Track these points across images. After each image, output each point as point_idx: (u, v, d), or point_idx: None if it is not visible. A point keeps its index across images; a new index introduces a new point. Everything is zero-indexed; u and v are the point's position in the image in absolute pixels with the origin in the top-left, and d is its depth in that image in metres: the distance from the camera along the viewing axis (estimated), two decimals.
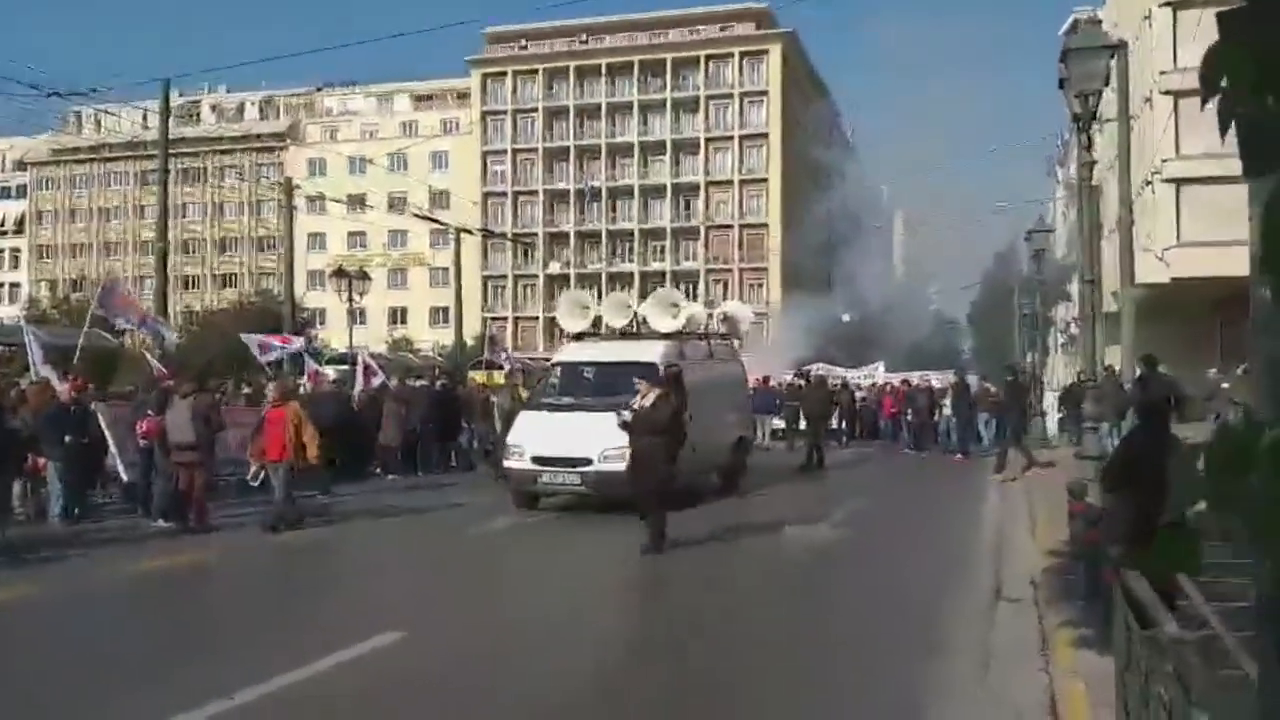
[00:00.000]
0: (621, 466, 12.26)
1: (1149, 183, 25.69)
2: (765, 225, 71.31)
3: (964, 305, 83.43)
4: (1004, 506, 14.05)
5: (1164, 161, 24.69)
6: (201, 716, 5.33)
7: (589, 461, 12.87)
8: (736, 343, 17.64)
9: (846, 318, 46.93)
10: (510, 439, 14.18)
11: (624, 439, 11.37)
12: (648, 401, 10.76)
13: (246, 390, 18.86)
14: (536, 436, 13.50)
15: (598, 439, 12.45)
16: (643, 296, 20.94)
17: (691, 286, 66.58)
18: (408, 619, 7.40)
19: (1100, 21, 27.84)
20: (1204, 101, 1.08)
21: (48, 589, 8.98)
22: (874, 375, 33.62)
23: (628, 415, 10.83)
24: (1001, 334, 53.61)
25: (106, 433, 13.19)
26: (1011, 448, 18.47)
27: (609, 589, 9.38)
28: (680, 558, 10.36)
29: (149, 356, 17.69)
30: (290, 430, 11.81)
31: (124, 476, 13.45)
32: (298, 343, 22.25)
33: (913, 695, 5.80)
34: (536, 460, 13.31)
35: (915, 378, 29.24)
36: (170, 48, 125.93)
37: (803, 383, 25.82)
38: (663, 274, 66.92)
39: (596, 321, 16.11)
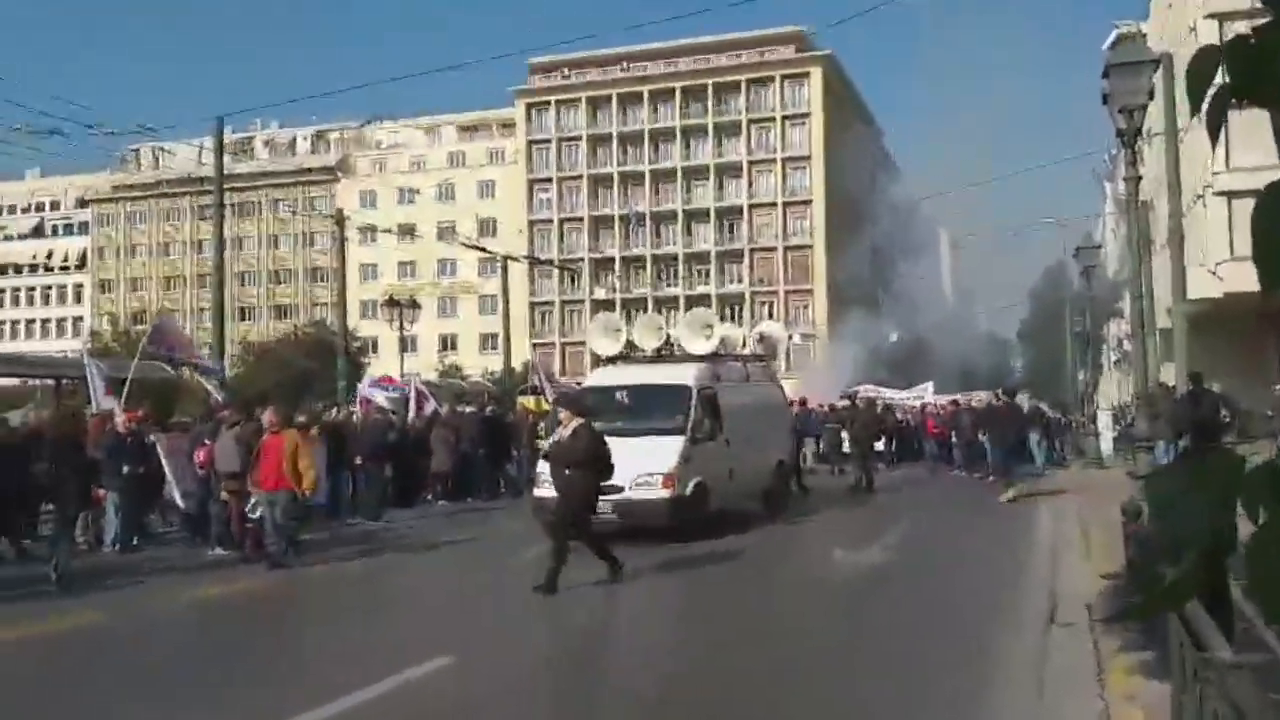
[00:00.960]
0: (653, 495, 12.10)
1: (1200, 196, 25.22)
2: (810, 246, 71.17)
3: (1014, 324, 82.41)
4: (1056, 528, 13.79)
5: (1215, 175, 24.25)
6: None
7: (619, 489, 11.50)
8: (780, 364, 17.50)
9: (895, 338, 46.59)
10: (540, 466, 13.72)
11: (656, 465, 11.17)
12: (568, 431, 9.97)
13: (301, 419, 19.11)
14: None
15: (629, 465, 11.31)
16: None
17: (737, 309, 66.62)
18: (451, 646, 7.43)
19: (1144, 35, 27.46)
20: (1195, 107, 1.11)
21: (105, 617, 9.13)
22: (923, 396, 33.28)
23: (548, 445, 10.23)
24: (1054, 352, 52.78)
25: (164, 463, 13.51)
26: (1001, 466, 18.45)
27: (646, 614, 9.34)
28: (720, 583, 10.30)
29: (209, 386, 18.06)
30: (287, 459, 11.42)
31: (180, 505, 13.76)
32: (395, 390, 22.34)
33: None
34: None
35: (960, 398, 28.88)
36: (223, 86, 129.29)
37: (848, 404, 25.65)
38: (708, 297, 66.97)
39: (630, 344, 15.95)
